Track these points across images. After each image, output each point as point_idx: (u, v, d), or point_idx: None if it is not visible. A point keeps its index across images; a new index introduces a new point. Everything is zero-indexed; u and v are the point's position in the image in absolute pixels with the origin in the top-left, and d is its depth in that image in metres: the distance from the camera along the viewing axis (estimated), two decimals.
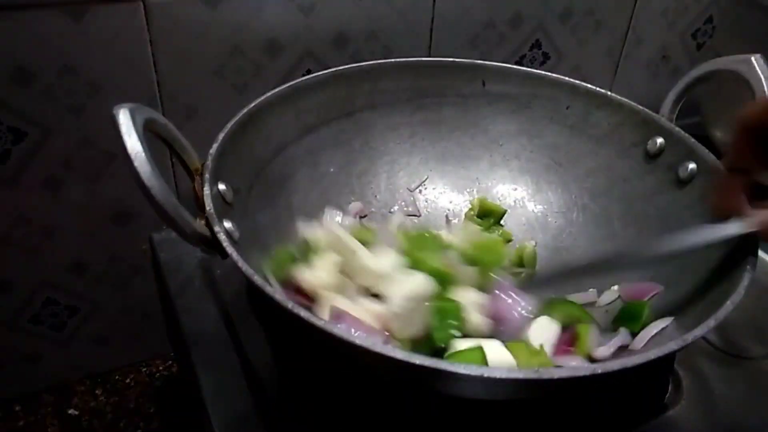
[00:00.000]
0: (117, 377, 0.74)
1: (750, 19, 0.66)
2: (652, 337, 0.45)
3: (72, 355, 0.71)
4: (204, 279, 0.55)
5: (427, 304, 0.44)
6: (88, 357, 0.72)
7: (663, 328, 0.45)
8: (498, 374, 0.33)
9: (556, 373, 0.33)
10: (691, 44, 0.90)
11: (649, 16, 0.84)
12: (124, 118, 0.37)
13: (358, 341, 0.34)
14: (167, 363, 0.76)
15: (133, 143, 0.37)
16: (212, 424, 0.43)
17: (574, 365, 0.43)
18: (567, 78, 0.60)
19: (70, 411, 0.70)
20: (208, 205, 0.41)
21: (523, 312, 0.45)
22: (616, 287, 0.52)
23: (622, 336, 0.46)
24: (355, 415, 0.44)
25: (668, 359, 0.49)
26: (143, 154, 0.37)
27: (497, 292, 0.46)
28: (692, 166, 0.52)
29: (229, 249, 0.39)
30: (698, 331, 0.37)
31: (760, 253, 0.42)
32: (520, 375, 0.34)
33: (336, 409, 0.44)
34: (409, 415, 0.44)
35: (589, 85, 0.59)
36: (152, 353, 0.75)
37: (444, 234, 0.54)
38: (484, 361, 0.41)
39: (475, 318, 0.44)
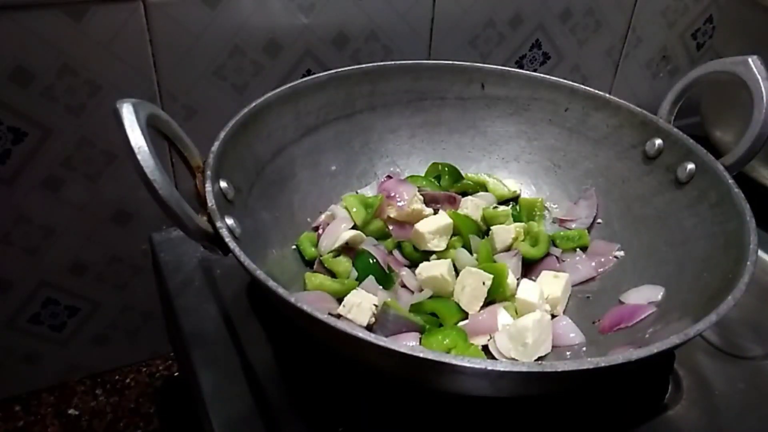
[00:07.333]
0: (117, 377, 0.73)
1: (750, 19, 0.66)
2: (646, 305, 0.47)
3: (72, 355, 0.71)
4: (204, 279, 0.55)
5: None
6: (88, 357, 0.72)
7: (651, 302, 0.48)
8: (501, 367, 0.33)
9: (560, 366, 0.33)
10: (691, 44, 0.91)
11: (649, 16, 0.84)
12: (127, 113, 0.37)
13: (361, 335, 0.34)
14: (167, 363, 0.76)
15: (136, 138, 0.37)
16: (212, 424, 0.43)
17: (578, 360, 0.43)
18: (566, 80, 0.60)
19: (70, 411, 0.70)
20: (210, 201, 0.42)
21: None
22: None
23: None
24: (356, 414, 0.44)
25: (668, 358, 0.49)
26: (146, 149, 0.37)
27: None
28: (691, 166, 0.52)
29: (232, 244, 0.39)
30: (700, 326, 0.37)
31: (760, 253, 0.42)
32: (523, 368, 0.34)
33: (337, 409, 0.45)
34: (412, 414, 0.44)
35: (587, 88, 0.59)
36: (152, 353, 0.75)
37: None
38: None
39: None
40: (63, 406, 0.70)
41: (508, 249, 0.55)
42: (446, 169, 0.61)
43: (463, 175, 0.62)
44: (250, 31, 0.61)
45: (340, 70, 0.58)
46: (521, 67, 0.78)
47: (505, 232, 0.55)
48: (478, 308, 0.49)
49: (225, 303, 0.53)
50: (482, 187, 0.61)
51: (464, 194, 0.60)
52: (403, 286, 0.52)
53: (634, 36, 0.84)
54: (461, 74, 0.62)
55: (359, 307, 0.47)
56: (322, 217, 0.56)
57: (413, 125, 0.63)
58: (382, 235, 0.56)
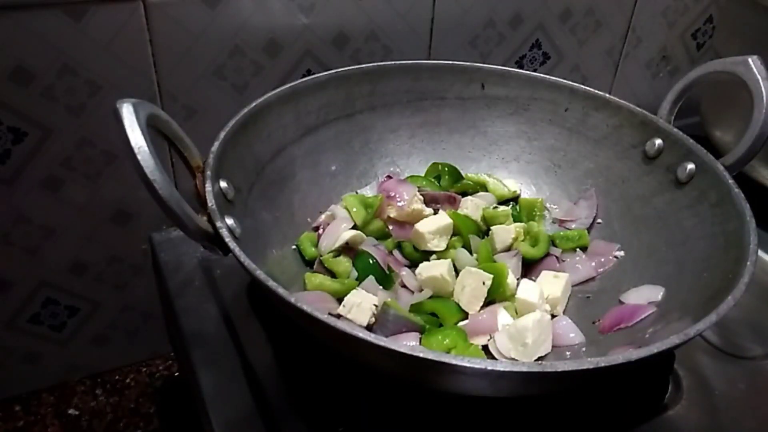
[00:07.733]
0: (117, 377, 0.74)
1: (750, 19, 0.66)
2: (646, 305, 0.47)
3: (72, 355, 0.71)
4: (204, 279, 0.55)
5: None
6: (88, 357, 0.72)
7: (651, 302, 0.48)
8: (501, 367, 0.33)
9: (560, 366, 0.33)
10: (691, 44, 0.91)
11: (649, 16, 0.84)
12: (127, 113, 0.37)
13: (361, 335, 0.34)
14: (167, 363, 0.76)
15: (136, 138, 0.37)
16: (212, 424, 0.43)
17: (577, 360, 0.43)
18: (566, 80, 0.60)
19: (70, 411, 0.70)
20: (210, 201, 0.42)
21: None
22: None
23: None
24: (356, 414, 0.44)
25: (668, 358, 0.49)
26: (146, 149, 0.37)
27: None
28: (691, 166, 0.52)
29: (232, 244, 0.39)
30: (701, 326, 0.37)
31: (760, 253, 0.42)
32: (523, 368, 0.34)
33: (337, 409, 0.45)
34: (412, 414, 0.44)
35: (587, 88, 0.59)
36: (152, 353, 0.75)
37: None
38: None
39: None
40: (63, 406, 0.70)
41: (508, 249, 0.55)
42: (446, 169, 0.61)
43: (463, 175, 0.62)
44: (250, 31, 0.61)
45: (340, 70, 0.58)
46: (521, 67, 0.78)
47: (505, 232, 0.55)
48: (478, 308, 0.49)
49: (225, 303, 0.53)
50: (482, 187, 0.61)
51: (464, 194, 0.60)
52: (403, 286, 0.52)
53: (634, 36, 0.84)
54: (461, 74, 0.62)
55: (359, 307, 0.47)
56: (322, 217, 0.57)
57: (413, 125, 0.63)
58: (382, 235, 0.56)
